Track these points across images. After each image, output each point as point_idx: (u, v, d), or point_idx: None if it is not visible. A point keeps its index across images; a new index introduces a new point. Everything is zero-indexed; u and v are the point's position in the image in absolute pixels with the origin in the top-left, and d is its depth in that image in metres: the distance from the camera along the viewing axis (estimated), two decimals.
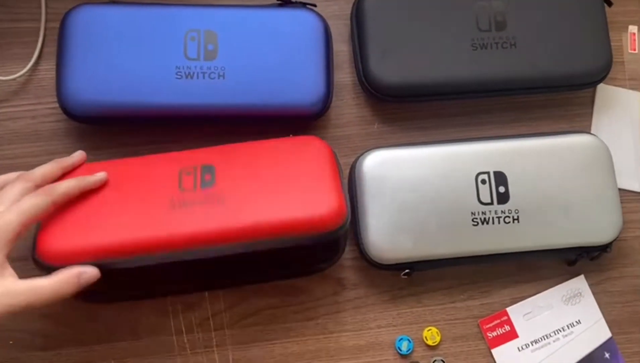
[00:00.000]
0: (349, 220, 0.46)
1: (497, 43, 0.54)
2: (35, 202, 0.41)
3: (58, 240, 0.43)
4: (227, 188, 0.45)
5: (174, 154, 0.48)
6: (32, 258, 0.43)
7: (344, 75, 0.58)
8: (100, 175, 0.46)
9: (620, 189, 0.56)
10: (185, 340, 0.51)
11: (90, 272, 0.42)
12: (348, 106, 0.57)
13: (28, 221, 0.41)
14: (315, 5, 0.55)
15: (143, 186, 0.45)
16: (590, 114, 0.58)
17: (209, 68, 0.51)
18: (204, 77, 0.51)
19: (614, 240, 0.52)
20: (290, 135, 0.51)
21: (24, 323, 0.51)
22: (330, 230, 0.45)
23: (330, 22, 0.57)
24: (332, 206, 0.45)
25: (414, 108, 0.57)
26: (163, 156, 0.48)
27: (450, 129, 0.57)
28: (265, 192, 0.46)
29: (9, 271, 0.40)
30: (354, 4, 0.56)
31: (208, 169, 0.46)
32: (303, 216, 0.44)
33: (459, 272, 0.54)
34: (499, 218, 0.50)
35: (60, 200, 0.43)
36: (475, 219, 0.50)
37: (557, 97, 0.58)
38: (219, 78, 0.51)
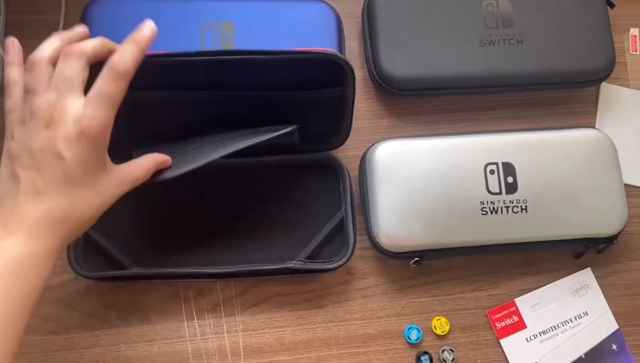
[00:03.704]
0: None
1: (504, 40, 0.56)
2: (116, 88, 0.38)
3: None
4: None
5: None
6: None
7: (355, 71, 0.59)
8: (147, 29, 0.42)
9: (625, 185, 0.57)
10: (197, 326, 0.51)
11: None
12: (358, 101, 0.58)
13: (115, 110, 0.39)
14: None
15: None
16: (594, 112, 0.60)
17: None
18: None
19: (620, 232, 0.53)
20: None
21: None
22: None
23: (343, 19, 0.59)
24: None
25: (422, 103, 0.59)
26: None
27: (457, 124, 0.58)
28: None
29: (111, 164, 0.40)
30: (365, 1, 0.58)
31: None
32: None
33: (468, 263, 0.54)
34: (507, 207, 0.51)
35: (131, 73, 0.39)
36: (484, 209, 0.51)
37: (561, 94, 0.60)
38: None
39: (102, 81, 0.38)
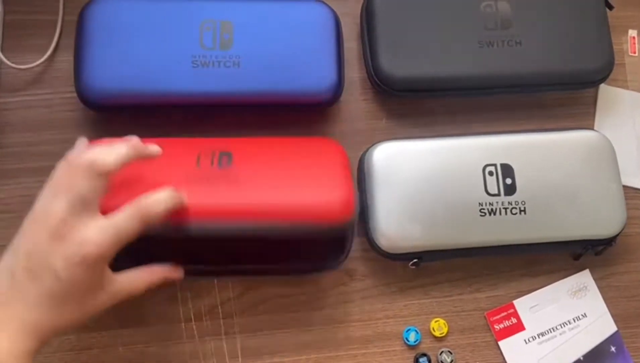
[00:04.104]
0: (356, 217, 0.47)
1: (503, 41, 0.56)
2: (133, 228, 0.39)
3: None
4: (243, 170, 0.46)
5: (193, 140, 0.49)
6: None
7: (353, 72, 0.59)
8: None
9: (624, 186, 0.57)
10: (194, 327, 0.51)
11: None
12: (356, 102, 0.59)
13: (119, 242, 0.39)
14: None
15: (160, 162, 0.45)
16: (592, 114, 0.60)
17: (224, 57, 0.52)
18: (219, 66, 0.52)
19: (619, 233, 0.53)
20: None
21: None
22: (337, 222, 0.45)
23: (341, 20, 0.59)
24: (342, 199, 0.46)
25: (420, 104, 0.58)
26: (182, 140, 0.49)
27: (456, 125, 0.58)
28: (279, 179, 0.47)
29: (110, 277, 0.41)
30: (363, 2, 0.58)
31: (226, 154, 0.47)
32: (313, 203, 0.45)
33: (466, 265, 0.54)
34: (506, 209, 0.51)
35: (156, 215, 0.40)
36: (482, 210, 0.51)
37: (560, 96, 0.60)
38: (234, 66, 0.52)
39: (125, 216, 0.39)
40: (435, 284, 0.54)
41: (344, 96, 0.58)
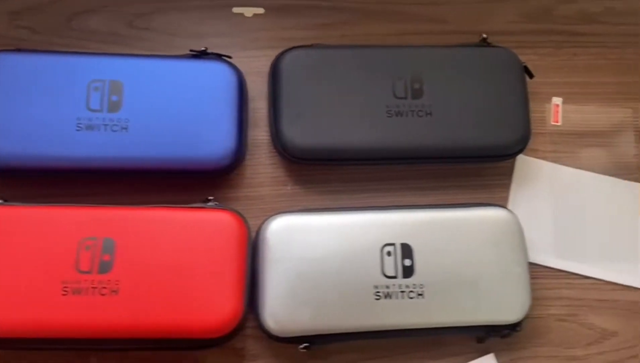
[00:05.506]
0: (244, 323, 0.48)
1: (412, 111, 0.53)
2: None
3: None
4: (123, 276, 0.46)
5: (76, 212, 0.48)
6: None
7: (262, 133, 0.56)
8: None
9: (536, 265, 0.55)
10: None
11: None
12: (262, 166, 0.56)
13: None
14: (230, 57, 0.54)
15: (38, 254, 0.46)
16: (509, 185, 0.57)
17: (112, 120, 0.49)
18: (105, 130, 0.49)
19: (523, 319, 0.50)
20: (208, 197, 0.51)
21: None
22: (219, 335, 0.46)
23: (251, 78, 0.56)
24: (225, 313, 0.46)
25: (328, 171, 0.56)
26: (64, 211, 0.48)
27: (365, 194, 0.55)
28: (161, 286, 0.46)
29: None
30: (272, 62, 0.55)
31: (108, 245, 0.46)
32: (192, 322, 0.46)
33: (363, 346, 0.51)
34: (402, 292, 0.48)
35: None
36: (378, 293, 0.48)
37: (475, 166, 0.57)
38: (121, 130, 0.49)
39: None
40: None
41: (250, 159, 0.55)
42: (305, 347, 0.49)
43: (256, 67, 0.57)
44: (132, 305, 0.45)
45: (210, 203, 0.51)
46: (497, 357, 0.52)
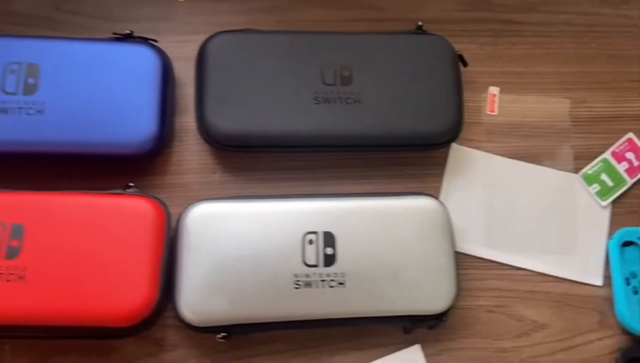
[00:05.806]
0: (159, 312, 0.47)
1: (340, 98, 0.52)
2: None
3: None
4: (31, 263, 0.45)
5: None
6: None
7: (190, 120, 0.55)
8: None
9: (466, 255, 0.54)
10: None
11: None
12: (190, 153, 0.55)
13: None
14: (156, 41, 0.53)
15: None
16: (441, 175, 0.57)
17: (27, 103, 0.48)
18: (19, 113, 0.48)
19: (448, 309, 0.49)
20: (129, 184, 0.50)
21: None
22: (131, 324, 0.45)
23: (181, 64, 0.55)
24: (137, 302, 0.45)
25: (257, 159, 0.55)
26: None
27: (294, 182, 0.54)
28: (71, 273, 0.45)
29: None
30: (200, 46, 0.54)
31: (17, 230, 0.45)
32: (102, 310, 0.45)
33: (288, 336, 0.50)
34: (323, 281, 0.48)
35: None
36: (298, 282, 0.47)
37: (408, 155, 0.56)
38: (36, 113, 0.48)
39: None
40: (254, 357, 0.50)
41: (176, 146, 0.54)
42: (223, 337, 0.48)
43: (186, 53, 0.55)
44: (39, 291, 0.44)
45: (130, 190, 0.49)
46: (425, 348, 0.52)
